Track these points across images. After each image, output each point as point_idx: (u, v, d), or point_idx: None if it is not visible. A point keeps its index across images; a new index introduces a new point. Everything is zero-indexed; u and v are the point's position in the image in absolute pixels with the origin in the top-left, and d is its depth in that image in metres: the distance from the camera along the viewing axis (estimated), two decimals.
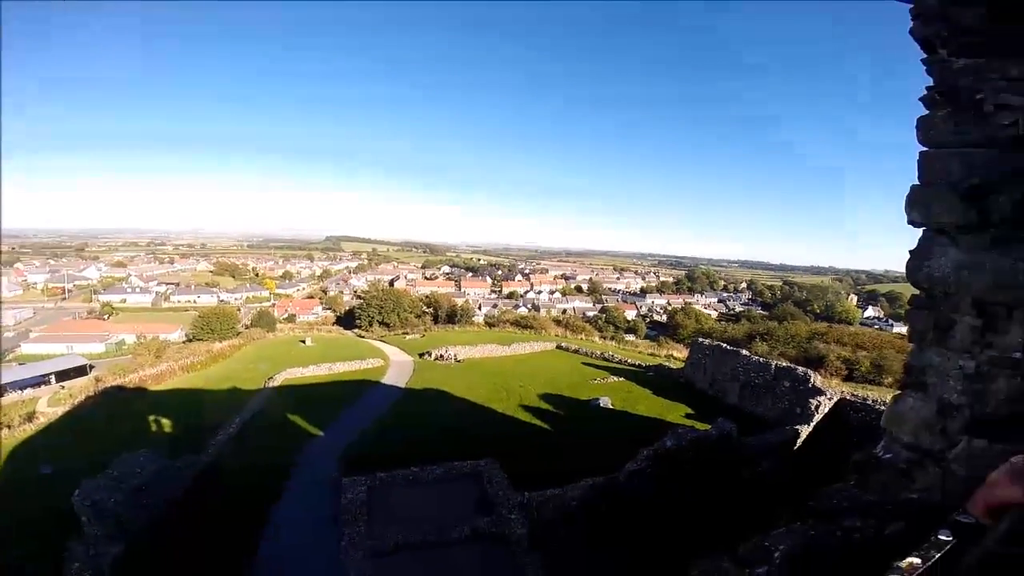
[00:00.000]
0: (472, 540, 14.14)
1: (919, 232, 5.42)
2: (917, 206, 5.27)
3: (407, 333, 67.88)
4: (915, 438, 5.28)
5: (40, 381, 54.25)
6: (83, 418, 32.48)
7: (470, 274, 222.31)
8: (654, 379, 36.75)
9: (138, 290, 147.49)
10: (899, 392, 5.82)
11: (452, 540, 14.13)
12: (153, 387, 38.96)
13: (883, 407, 21.64)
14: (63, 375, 56.01)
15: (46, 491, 20.08)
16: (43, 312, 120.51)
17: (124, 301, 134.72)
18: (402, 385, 36.60)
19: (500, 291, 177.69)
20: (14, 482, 21.96)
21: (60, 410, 34.82)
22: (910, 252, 5.48)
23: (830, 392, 25.14)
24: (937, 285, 5.22)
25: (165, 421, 30.07)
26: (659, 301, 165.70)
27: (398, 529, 14.55)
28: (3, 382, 51.68)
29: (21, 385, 52.45)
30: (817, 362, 45.43)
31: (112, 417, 31.59)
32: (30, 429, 30.30)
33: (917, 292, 5.57)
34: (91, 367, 59.09)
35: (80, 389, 42.19)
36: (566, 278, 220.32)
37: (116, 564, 13.95)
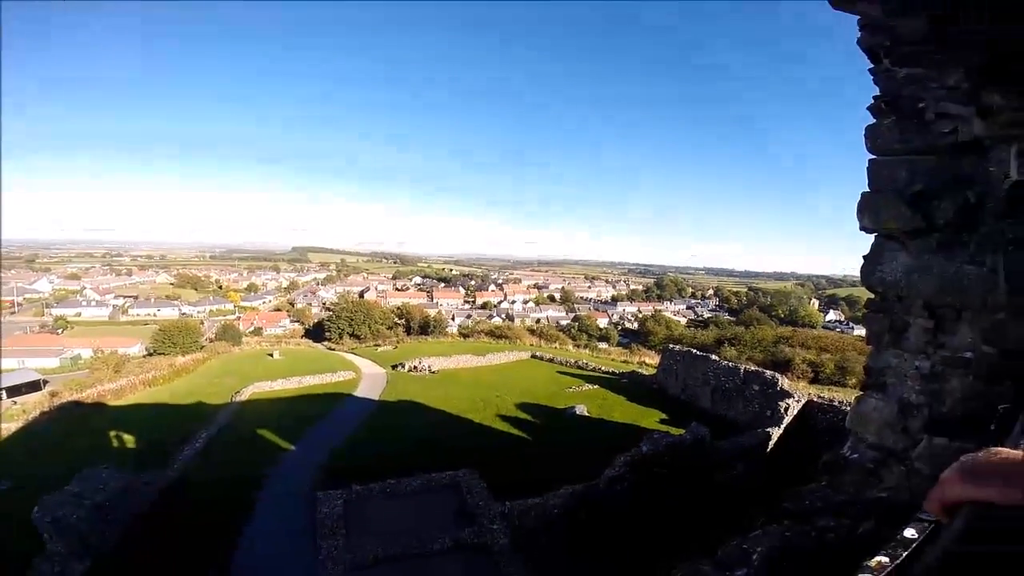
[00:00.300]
0: (454, 551, 14.08)
1: (872, 237, 5.74)
2: (867, 212, 5.56)
3: (379, 345, 66.99)
4: (879, 438, 5.58)
5: None
6: (38, 434, 30.99)
7: (442, 284, 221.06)
8: (628, 386, 37.27)
9: (94, 303, 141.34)
10: (861, 393, 6.12)
11: (433, 551, 14.04)
12: (113, 402, 37.40)
13: (848, 408, 22.44)
14: (15, 390, 53.46)
15: (3, 507, 19.11)
16: None
17: (79, 315, 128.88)
18: (375, 397, 36.10)
19: (474, 301, 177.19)
20: None
21: (13, 426, 33.11)
22: (864, 257, 5.78)
23: (798, 394, 25.86)
24: (890, 289, 5.52)
25: (127, 436, 28.92)
26: (630, 309, 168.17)
27: (377, 542, 14.38)
28: None
29: None
30: (784, 365, 46.89)
31: (70, 433, 30.22)
32: None
33: (872, 296, 5.87)
34: (45, 382, 56.55)
35: (34, 404, 40.24)
36: (539, 287, 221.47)
37: None
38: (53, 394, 42.94)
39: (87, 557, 13.97)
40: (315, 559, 14.12)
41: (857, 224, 5.79)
